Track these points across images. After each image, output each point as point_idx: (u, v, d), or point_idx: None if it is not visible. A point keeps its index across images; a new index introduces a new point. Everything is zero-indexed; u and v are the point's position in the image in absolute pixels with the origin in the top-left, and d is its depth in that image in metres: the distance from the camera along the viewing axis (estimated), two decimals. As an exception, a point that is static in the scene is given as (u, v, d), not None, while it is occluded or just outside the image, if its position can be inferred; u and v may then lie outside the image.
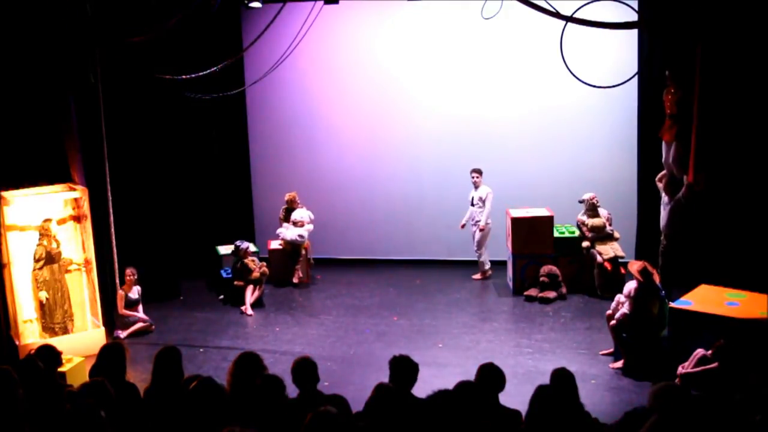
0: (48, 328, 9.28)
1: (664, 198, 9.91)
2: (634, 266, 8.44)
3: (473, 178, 11.38)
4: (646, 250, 10.48)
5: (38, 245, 9.20)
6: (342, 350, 9.24)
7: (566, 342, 9.18)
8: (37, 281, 9.24)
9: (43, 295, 9.22)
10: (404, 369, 5.21)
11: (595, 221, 10.65)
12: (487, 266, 11.62)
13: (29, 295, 9.30)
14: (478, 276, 11.63)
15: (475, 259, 11.75)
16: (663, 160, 10.19)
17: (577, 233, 11.02)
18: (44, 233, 9.21)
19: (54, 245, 9.28)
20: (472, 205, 11.46)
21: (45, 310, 9.27)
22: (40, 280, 9.22)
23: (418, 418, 4.47)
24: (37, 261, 9.21)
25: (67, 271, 9.48)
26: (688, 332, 7.95)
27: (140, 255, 10.66)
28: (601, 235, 10.66)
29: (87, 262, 9.55)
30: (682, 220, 9.74)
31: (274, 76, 11.60)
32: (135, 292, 10.09)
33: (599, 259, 10.54)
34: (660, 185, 10.09)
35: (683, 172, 9.80)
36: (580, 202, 10.79)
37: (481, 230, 11.37)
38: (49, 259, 9.25)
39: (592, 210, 10.70)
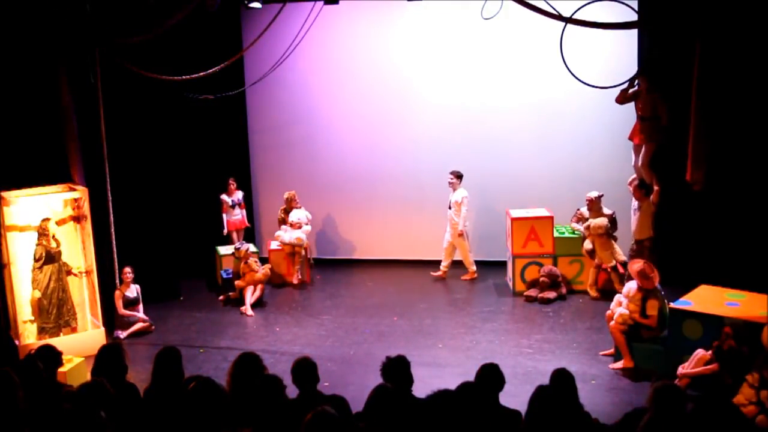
0: (42, 329, 9.27)
1: (634, 203, 9.88)
2: (635, 266, 8.44)
3: (449, 179, 11.37)
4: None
5: (37, 245, 9.21)
6: (342, 350, 9.24)
7: (566, 342, 9.18)
8: (35, 281, 9.24)
9: (36, 294, 9.21)
10: (398, 371, 5.20)
11: (598, 222, 10.54)
12: (473, 267, 11.66)
13: (29, 296, 9.30)
14: (467, 276, 11.63)
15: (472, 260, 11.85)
16: (632, 163, 10.20)
17: (576, 233, 11.01)
18: (42, 233, 9.21)
19: (53, 244, 9.28)
20: (450, 208, 11.46)
21: (40, 311, 9.26)
22: (38, 280, 9.22)
23: (418, 418, 4.47)
24: (36, 261, 9.22)
25: (68, 273, 9.49)
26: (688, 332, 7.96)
27: (140, 255, 10.66)
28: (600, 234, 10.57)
29: (88, 270, 9.55)
30: (653, 224, 9.73)
31: (274, 76, 11.61)
32: (133, 291, 10.09)
33: (598, 261, 10.51)
34: (630, 189, 10.08)
35: (652, 176, 9.83)
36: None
37: (460, 235, 11.36)
38: (49, 258, 9.25)
39: (596, 210, 10.63)
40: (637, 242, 9.93)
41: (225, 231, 12.04)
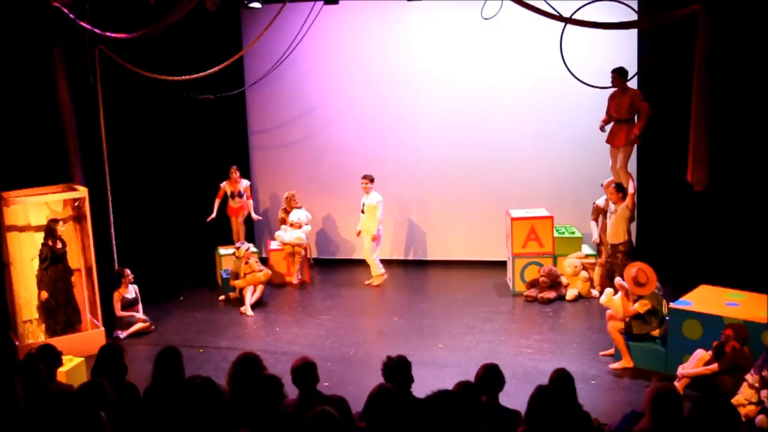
0: (50, 328, 9.28)
1: (611, 206, 9.78)
2: (630, 271, 8.37)
3: (362, 183, 11.28)
4: (646, 250, 10.48)
5: (43, 245, 9.21)
6: (342, 350, 9.24)
7: (566, 342, 9.18)
8: (41, 281, 9.24)
9: (44, 295, 9.21)
10: (398, 371, 5.21)
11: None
12: (381, 270, 11.53)
13: (30, 295, 9.30)
14: (373, 281, 11.49)
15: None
16: (609, 166, 10.17)
17: (576, 233, 11.01)
18: (51, 233, 9.20)
19: (59, 245, 9.27)
20: (363, 212, 11.38)
21: (46, 311, 9.27)
22: (45, 281, 9.22)
23: (417, 418, 4.47)
24: (42, 261, 9.21)
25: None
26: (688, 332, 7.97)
27: (140, 255, 10.66)
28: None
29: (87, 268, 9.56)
30: (628, 228, 9.62)
31: (274, 76, 11.62)
32: (132, 292, 10.08)
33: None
34: (606, 192, 9.96)
35: (629, 179, 9.77)
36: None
37: (373, 239, 11.29)
38: (54, 259, 9.24)
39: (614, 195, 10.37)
40: (612, 246, 9.72)
41: (210, 217, 11.69)
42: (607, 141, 10.13)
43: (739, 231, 9.89)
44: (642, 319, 8.32)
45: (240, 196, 11.89)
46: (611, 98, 9.99)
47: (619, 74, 9.82)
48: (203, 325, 10.21)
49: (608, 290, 8.58)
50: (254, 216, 12.13)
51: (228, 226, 12.06)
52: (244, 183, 11.98)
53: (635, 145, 10.08)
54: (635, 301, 8.32)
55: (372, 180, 11.30)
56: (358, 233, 11.54)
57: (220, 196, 11.84)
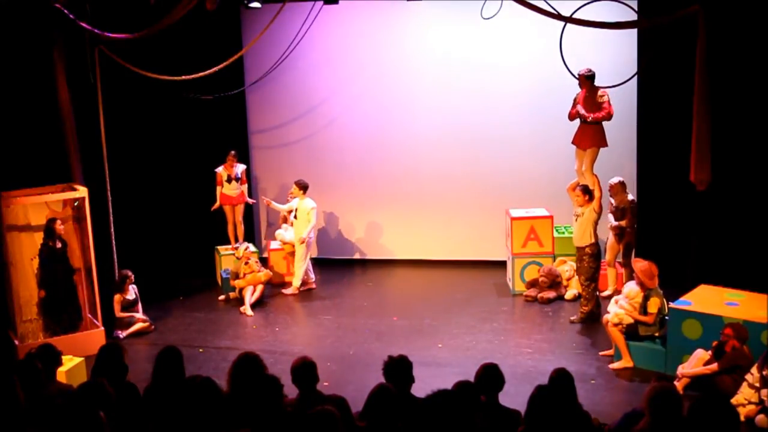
0: (50, 328, 9.28)
1: (577, 209, 9.71)
2: (638, 265, 8.40)
3: (293, 190, 11.18)
4: (646, 249, 10.46)
5: (43, 244, 9.21)
6: (341, 350, 9.24)
7: (566, 342, 9.18)
8: (41, 280, 9.23)
9: (42, 293, 9.21)
10: (399, 371, 5.22)
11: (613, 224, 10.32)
12: (311, 276, 11.44)
13: (30, 295, 9.30)
14: (288, 290, 11.31)
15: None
16: (575, 168, 10.14)
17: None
18: (51, 233, 9.20)
19: (59, 245, 9.28)
20: (296, 217, 11.27)
21: (46, 310, 9.27)
22: (45, 280, 9.22)
23: (417, 418, 4.47)
24: (43, 260, 9.21)
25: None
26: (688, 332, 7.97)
27: (140, 255, 10.65)
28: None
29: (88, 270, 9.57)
30: (595, 231, 9.55)
31: (274, 76, 11.62)
32: (131, 292, 10.08)
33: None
34: (571, 194, 9.89)
35: (595, 181, 9.72)
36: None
37: (301, 242, 11.13)
38: (55, 258, 9.24)
39: (619, 195, 10.20)
40: (578, 249, 9.61)
41: (215, 206, 11.58)
42: (573, 142, 10.06)
43: (739, 231, 9.88)
44: (651, 322, 8.32)
45: (237, 180, 11.62)
46: (578, 99, 9.92)
47: (586, 77, 9.76)
48: (203, 325, 10.21)
49: (609, 315, 8.51)
50: (248, 200, 11.91)
51: (226, 226, 11.96)
52: (241, 167, 11.70)
53: (603, 148, 10.03)
54: (645, 299, 8.30)
55: (302, 186, 11.13)
56: (302, 241, 11.18)
57: (219, 183, 11.61)
